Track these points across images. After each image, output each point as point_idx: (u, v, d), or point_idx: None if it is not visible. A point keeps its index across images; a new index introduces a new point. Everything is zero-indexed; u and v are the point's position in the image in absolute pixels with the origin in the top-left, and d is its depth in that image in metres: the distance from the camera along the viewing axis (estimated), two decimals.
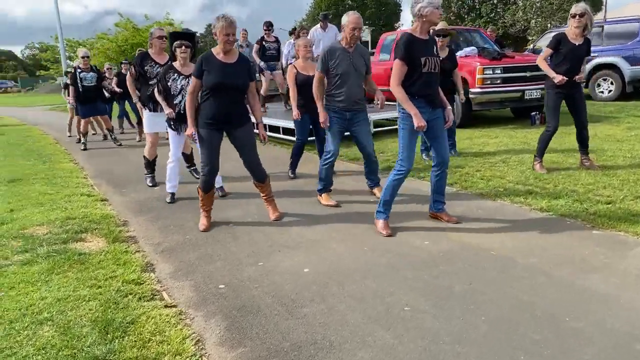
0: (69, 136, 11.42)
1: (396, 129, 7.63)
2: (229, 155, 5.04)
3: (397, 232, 3.94)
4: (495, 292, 2.88)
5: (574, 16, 5.13)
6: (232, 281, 3.19)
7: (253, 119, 4.32)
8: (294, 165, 6.13)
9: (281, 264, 3.42)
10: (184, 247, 3.88)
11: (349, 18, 4.44)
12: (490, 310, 2.68)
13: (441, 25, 6.44)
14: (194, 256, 3.67)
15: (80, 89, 9.14)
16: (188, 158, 6.12)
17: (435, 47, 3.81)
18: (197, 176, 5.93)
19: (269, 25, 10.08)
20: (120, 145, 9.68)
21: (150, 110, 5.51)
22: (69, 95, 10.17)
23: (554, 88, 5.33)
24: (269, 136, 9.38)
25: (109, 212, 4.93)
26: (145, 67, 5.50)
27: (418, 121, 3.64)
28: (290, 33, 10.89)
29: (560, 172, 5.46)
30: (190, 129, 4.15)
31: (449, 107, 4.02)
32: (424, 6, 3.57)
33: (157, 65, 5.43)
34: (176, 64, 5.00)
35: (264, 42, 9.91)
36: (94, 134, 11.45)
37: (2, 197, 5.61)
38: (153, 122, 5.55)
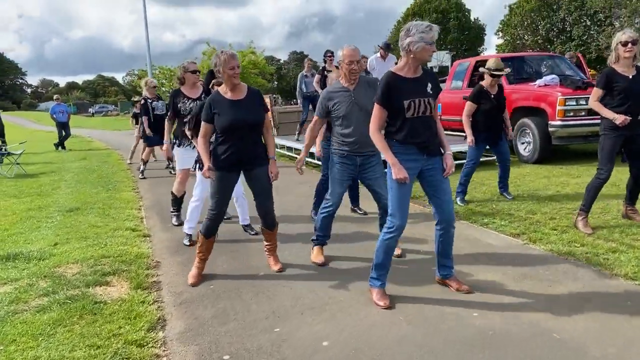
0: (129, 163, 11.58)
1: (489, 160, 7.05)
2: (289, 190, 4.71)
3: (444, 297, 3.38)
4: None
5: (625, 44, 4.27)
6: (240, 351, 2.80)
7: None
8: (317, 204, 5.52)
9: (299, 332, 2.99)
10: (203, 300, 3.56)
11: (343, 52, 3.91)
12: None
13: (493, 63, 5.80)
14: (210, 313, 3.33)
15: (152, 119, 9.27)
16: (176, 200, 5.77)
17: (429, 85, 3.20)
18: (176, 224, 5.69)
19: (331, 55, 9.88)
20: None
21: (180, 146, 5.34)
22: (136, 124, 10.31)
23: (614, 130, 4.43)
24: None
25: (146, 250, 4.76)
26: (178, 105, 5.30)
27: (396, 172, 3.10)
28: None
29: None
30: (206, 166, 3.77)
31: (449, 152, 3.32)
32: (415, 41, 3.02)
33: (190, 100, 5.24)
34: None
35: (325, 72, 9.66)
36: (154, 161, 11.51)
37: (54, 229, 5.67)
38: (184, 158, 5.35)
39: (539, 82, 8.27)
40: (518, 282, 3.59)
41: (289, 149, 10.90)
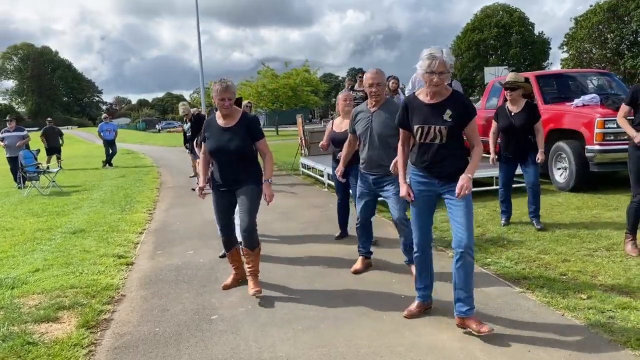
0: (191, 176, 11.88)
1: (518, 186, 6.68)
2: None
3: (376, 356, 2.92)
4: None
5: None
6: None
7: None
8: (340, 224, 5.72)
9: None
10: (139, 346, 3.28)
11: (365, 75, 3.99)
12: None
13: (510, 76, 5.60)
14: None
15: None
16: None
17: (448, 112, 3.02)
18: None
19: (361, 76, 9.71)
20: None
21: None
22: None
23: (637, 149, 4.26)
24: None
25: (117, 282, 4.57)
26: None
27: (400, 190, 3.34)
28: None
29: None
30: (200, 183, 4.22)
31: (466, 176, 3.04)
32: (420, 67, 3.01)
33: None
34: None
35: (351, 92, 9.40)
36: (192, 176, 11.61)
37: (47, 252, 5.64)
38: None
39: (576, 101, 7.49)
40: (487, 342, 3.04)
41: (314, 169, 10.61)
